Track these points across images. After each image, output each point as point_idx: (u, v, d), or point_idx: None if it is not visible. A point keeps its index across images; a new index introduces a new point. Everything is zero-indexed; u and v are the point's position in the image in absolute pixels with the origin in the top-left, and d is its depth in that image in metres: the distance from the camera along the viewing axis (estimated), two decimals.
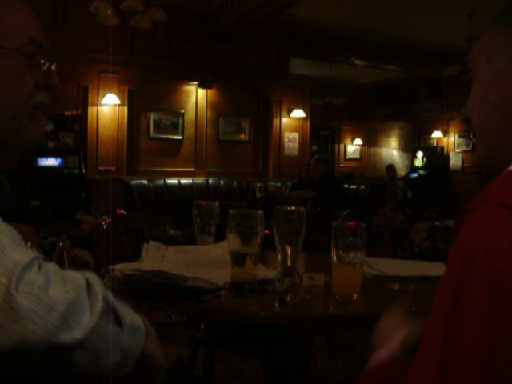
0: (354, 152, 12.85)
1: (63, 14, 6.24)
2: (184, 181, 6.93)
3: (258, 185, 6.90)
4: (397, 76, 10.88)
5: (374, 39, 8.23)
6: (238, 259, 1.33)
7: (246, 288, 1.32)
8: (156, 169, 7.12)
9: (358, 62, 9.17)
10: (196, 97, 7.42)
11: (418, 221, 2.06)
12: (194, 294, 1.24)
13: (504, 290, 0.61)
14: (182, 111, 7.35)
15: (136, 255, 1.85)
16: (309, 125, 8.01)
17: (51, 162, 6.00)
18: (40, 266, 0.69)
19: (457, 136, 10.60)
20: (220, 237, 1.78)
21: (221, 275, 1.38)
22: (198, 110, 7.44)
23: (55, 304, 0.66)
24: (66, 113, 6.17)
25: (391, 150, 12.57)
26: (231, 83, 7.49)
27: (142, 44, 6.61)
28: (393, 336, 0.83)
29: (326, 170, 6.23)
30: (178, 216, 3.35)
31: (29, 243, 0.91)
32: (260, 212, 1.37)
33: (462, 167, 10.40)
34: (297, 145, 7.85)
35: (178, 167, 7.30)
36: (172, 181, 6.82)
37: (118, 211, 2.79)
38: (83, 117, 6.46)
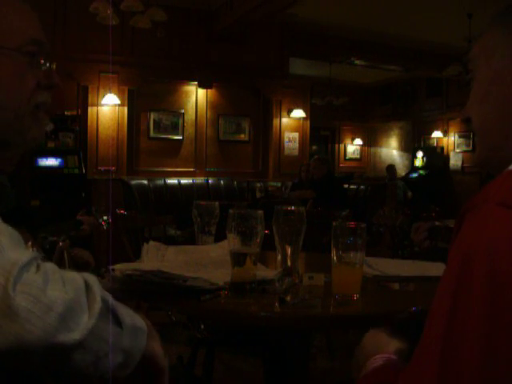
0: (354, 152, 12.85)
1: (63, 14, 6.24)
2: (184, 181, 6.93)
3: (258, 185, 6.90)
4: (397, 76, 10.88)
5: (374, 39, 8.23)
6: (238, 259, 1.33)
7: (246, 288, 1.32)
8: (156, 169, 7.12)
9: (357, 61, 9.17)
10: (196, 97, 7.42)
11: (418, 221, 2.06)
12: (194, 294, 1.24)
13: (504, 289, 0.61)
14: (182, 111, 7.35)
15: (136, 255, 1.85)
16: (309, 125, 8.01)
17: (51, 161, 6.00)
18: (38, 266, 0.69)
19: (457, 136, 10.60)
20: (220, 237, 1.78)
21: (221, 275, 1.38)
22: (198, 110, 7.44)
23: (53, 304, 0.66)
24: (66, 113, 6.17)
25: (391, 150, 12.57)
26: (231, 83, 7.49)
27: (142, 44, 6.61)
28: (388, 343, 0.83)
29: (326, 170, 6.23)
30: (177, 216, 3.36)
31: (29, 243, 0.91)
32: (260, 212, 1.37)
33: (462, 167, 10.40)
34: (297, 145, 7.85)
35: (177, 167, 7.31)
36: (172, 181, 6.82)
37: (117, 211, 2.79)
38: (83, 117, 6.45)
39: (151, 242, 1.75)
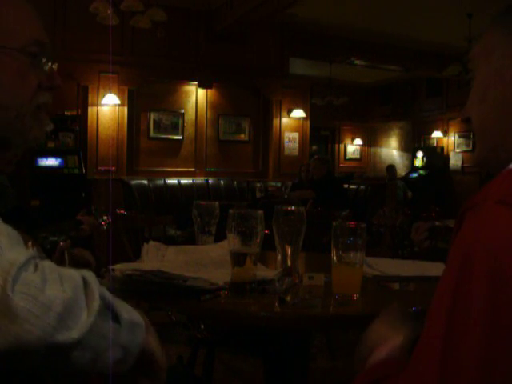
0: (354, 152, 12.85)
1: (63, 14, 6.24)
2: (184, 181, 6.93)
3: (258, 185, 6.90)
4: (397, 76, 10.88)
5: (374, 39, 8.23)
6: (238, 259, 1.33)
7: (246, 288, 1.32)
8: (156, 169, 7.12)
9: (357, 61, 9.17)
10: (196, 97, 7.42)
11: (418, 221, 2.06)
12: (194, 294, 1.24)
13: (504, 287, 0.61)
14: (182, 111, 7.35)
15: (136, 255, 1.85)
16: (309, 125, 8.01)
17: (51, 161, 6.00)
18: (36, 266, 0.69)
19: (457, 136, 10.60)
20: (220, 237, 1.78)
21: (221, 275, 1.38)
22: (198, 110, 7.44)
23: (52, 304, 0.66)
24: (66, 113, 6.17)
25: (391, 150, 12.57)
26: (231, 83, 7.50)
27: (142, 44, 6.61)
28: (391, 336, 0.83)
29: (326, 170, 6.22)
30: (177, 216, 3.36)
31: (29, 243, 0.91)
32: (260, 212, 1.37)
33: (462, 167, 10.40)
34: (297, 145, 7.86)
35: (178, 167, 7.31)
36: (172, 181, 6.82)
37: (117, 211, 2.79)
38: (83, 117, 6.46)
39: (151, 242, 1.75)
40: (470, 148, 10.17)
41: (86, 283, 0.72)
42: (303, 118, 7.86)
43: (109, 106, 6.56)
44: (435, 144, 11.17)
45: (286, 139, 7.79)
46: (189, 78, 7.20)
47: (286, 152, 7.78)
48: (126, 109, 6.72)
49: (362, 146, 12.83)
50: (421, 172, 10.68)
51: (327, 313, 1.32)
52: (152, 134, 7.19)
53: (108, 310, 0.73)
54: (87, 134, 6.51)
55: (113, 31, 5.69)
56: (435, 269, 1.55)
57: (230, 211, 1.36)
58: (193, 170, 7.41)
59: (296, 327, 1.34)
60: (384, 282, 1.49)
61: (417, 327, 0.80)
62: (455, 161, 10.60)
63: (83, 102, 6.50)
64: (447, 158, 10.77)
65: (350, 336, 3.35)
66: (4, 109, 0.86)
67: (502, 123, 0.77)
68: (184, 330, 2.94)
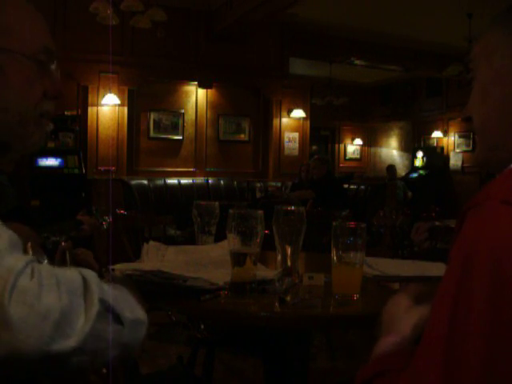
0: (354, 152, 12.85)
1: (63, 14, 6.24)
2: (184, 181, 6.93)
3: (258, 185, 6.90)
4: (397, 76, 10.88)
5: (374, 39, 8.23)
6: (238, 259, 1.33)
7: (246, 288, 1.32)
8: (156, 169, 7.12)
9: (357, 61, 9.17)
10: (196, 97, 7.42)
11: (418, 221, 2.06)
12: (194, 294, 1.24)
13: (506, 286, 0.61)
14: (182, 111, 7.35)
15: (136, 255, 1.85)
16: (309, 125, 8.01)
17: (51, 162, 6.00)
18: (33, 271, 0.68)
19: (457, 136, 10.60)
20: (220, 237, 1.78)
21: (221, 275, 1.38)
22: (198, 110, 7.44)
23: (48, 312, 0.65)
24: (66, 113, 6.17)
25: (391, 150, 12.57)
26: (231, 83, 7.50)
27: (142, 44, 6.61)
28: (402, 320, 0.82)
29: (326, 170, 6.22)
30: (178, 216, 3.36)
31: (29, 244, 0.91)
32: (260, 212, 1.37)
33: (462, 167, 10.40)
34: (297, 145, 7.86)
35: (178, 167, 7.31)
36: (172, 181, 6.83)
37: (117, 211, 2.78)
38: (83, 117, 6.46)
39: (151, 242, 1.75)
40: (470, 148, 10.17)
41: (85, 284, 0.71)
42: (303, 118, 7.86)
43: (109, 106, 6.57)
44: (435, 144, 11.17)
45: (286, 139, 7.79)
46: (189, 78, 7.20)
47: (286, 152, 7.78)
48: (125, 109, 6.72)
49: (362, 145, 12.83)
50: (421, 172, 10.68)
51: (327, 313, 1.32)
52: (152, 134, 7.19)
53: (108, 313, 0.72)
54: (87, 134, 6.52)
55: (113, 31, 5.69)
56: (435, 269, 1.55)
57: (230, 211, 1.36)
58: (193, 170, 7.41)
59: (296, 327, 1.34)
60: (384, 282, 1.49)
61: (428, 311, 0.79)
62: (455, 161, 10.60)
63: (83, 102, 6.50)
64: (447, 158, 10.77)
65: (350, 336, 3.35)
66: (9, 113, 0.87)
67: (503, 122, 0.78)
68: (184, 329, 2.94)
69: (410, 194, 9.65)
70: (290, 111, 7.75)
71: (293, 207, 1.57)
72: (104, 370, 0.88)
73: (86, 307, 0.69)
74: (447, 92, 10.55)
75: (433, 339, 0.64)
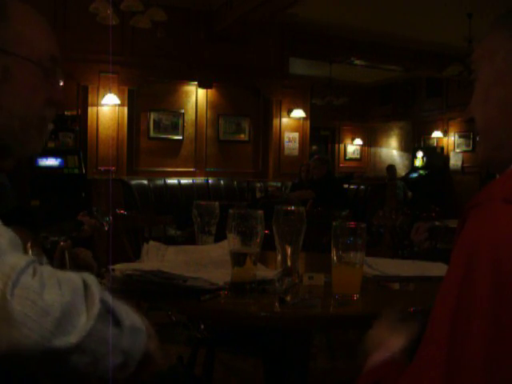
0: (354, 152, 12.85)
1: (63, 14, 6.24)
2: (184, 181, 6.93)
3: (258, 185, 6.90)
4: (397, 76, 10.89)
5: (374, 39, 8.23)
6: (238, 259, 1.33)
7: (246, 288, 1.32)
8: (156, 169, 7.12)
9: (357, 61, 9.18)
10: (196, 97, 7.42)
11: (418, 221, 2.06)
12: (194, 294, 1.24)
13: (509, 285, 0.61)
14: (182, 111, 7.35)
15: (136, 255, 1.85)
16: (309, 125, 8.01)
17: (51, 162, 6.00)
18: (35, 270, 0.69)
19: (457, 136, 10.60)
20: (220, 237, 1.78)
21: (221, 275, 1.38)
22: (198, 110, 7.44)
23: (50, 308, 0.66)
24: (66, 113, 6.17)
25: (391, 150, 12.57)
26: (231, 83, 7.49)
27: (142, 44, 6.61)
28: (391, 338, 0.83)
29: (326, 170, 6.22)
30: (177, 216, 3.36)
31: (28, 244, 0.91)
32: (260, 212, 1.37)
33: (462, 167, 10.40)
34: (297, 145, 7.85)
35: (178, 167, 7.31)
36: (172, 181, 6.82)
37: (118, 211, 2.78)
38: (83, 117, 6.46)
39: (151, 242, 1.75)
40: (470, 148, 10.17)
41: (86, 286, 0.72)
42: (303, 118, 7.86)
43: (109, 106, 6.57)
44: (435, 144, 11.17)
45: (286, 139, 7.79)
46: (189, 78, 7.20)
47: (286, 152, 7.78)
48: (126, 109, 6.72)
49: (362, 145, 12.83)
50: (421, 172, 10.69)
51: (327, 313, 1.32)
52: (152, 134, 7.19)
53: (109, 314, 0.72)
54: (87, 134, 6.51)
55: (113, 31, 5.69)
56: (435, 269, 1.55)
57: (230, 211, 1.36)
58: (193, 170, 7.41)
59: (296, 327, 1.34)
60: (384, 282, 1.49)
61: (417, 328, 0.80)
62: (455, 161, 10.60)
63: (83, 102, 6.50)
64: (447, 158, 10.77)
65: (350, 336, 3.35)
66: (12, 117, 0.88)
67: (505, 122, 0.79)
68: (184, 329, 2.94)
69: (410, 194, 9.66)
70: (290, 111, 7.75)
71: (293, 207, 1.57)
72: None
73: (88, 306, 0.70)
74: (447, 92, 10.55)
75: (434, 339, 0.64)
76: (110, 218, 2.29)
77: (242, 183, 7.22)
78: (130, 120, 6.87)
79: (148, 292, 1.29)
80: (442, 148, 10.91)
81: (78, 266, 1.30)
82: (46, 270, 0.71)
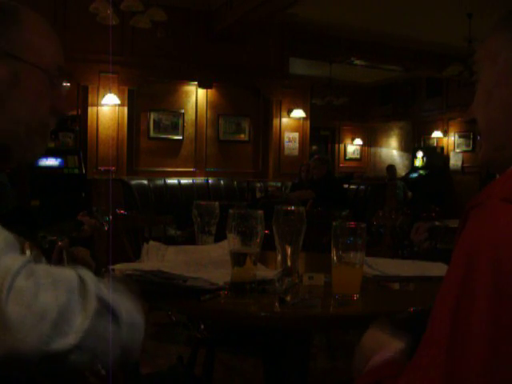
0: (354, 152, 12.85)
1: (63, 14, 6.24)
2: (184, 181, 6.93)
3: (258, 185, 6.90)
4: (397, 76, 10.89)
5: (374, 39, 8.23)
6: (238, 259, 1.33)
7: (246, 288, 1.31)
8: (156, 169, 7.12)
9: (357, 61, 9.18)
10: (196, 97, 7.42)
11: (418, 221, 2.06)
12: (194, 294, 1.24)
13: (509, 284, 0.61)
14: (182, 111, 7.35)
15: (136, 255, 1.85)
16: (309, 125, 8.01)
17: (51, 162, 6.00)
18: (30, 271, 0.68)
19: (457, 136, 10.60)
20: (220, 237, 1.78)
21: (221, 275, 1.38)
22: (198, 110, 7.44)
23: (46, 312, 0.65)
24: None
25: (391, 150, 12.57)
26: (231, 83, 7.50)
27: (142, 44, 6.61)
28: (389, 341, 0.83)
29: (326, 170, 6.22)
30: (177, 216, 3.35)
31: (26, 244, 0.91)
32: (260, 212, 1.36)
33: (462, 167, 10.40)
34: (297, 145, 7.86)
35: (178, 167, 7.31)
36: (172, 181, 6.83)
37: (118, 211, 2.78)
38: (83, 117, 6.46)
39: (151, 242, 1.75)
40: (470, 148, 10.18)
41: (82, 283, 0.71)
42: (303, 118, 7.86)
43: (109, 106, 6.57)
44: (435, 144, 11.17)
45: (286, 139, 7.79)
46: (189, 78, 7.20)
47: (286, 152, 7.78)
48: (126, 109, 6.72)
49: (362, 145, 12.83)
50: (421, 172, 10.69)
51: (327, 313, 1.32)
52: (152, 134, 7.19)
53: (106, 310, 0.72)
54: (87, 134, 6.52)
55: (113, 31, 5.69)
56: (435, 269, 1.55)
57: (230, 211, 1.36)
58: (193, 170, 7.41)
59: (296, 327, 1.34)
60: (384, 282, 1.49)
61: (410, 337, 0.80)
62: (455, 161, 10.60)
63: (83, 102, 6.50)
64: (447, 158, 10.77)
65: (349, 336, 3.35)
66: (18, 122, 0.89)
67: (507, 124, 0.79)
68: (184, 329, 2.94)
69: (409, 194, 9.66)
70: (290, 111, 7.75)
71: (293, 207, 1.57)
72: (103, 372, 0.88)
73: (84, 305, 0.69)
74: (447, 92, 10.55)
75: (434, 339, 0.64)
76: (110, 217, 2.29)
77: (242, 183, 7.22)
78: (130, 120, 6.87)
79: (148, 292, 1.28)
80: (442, 148, 10.92)
81: (76, 264, 1.30)
82: (42, 269, 0.70)
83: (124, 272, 1.32)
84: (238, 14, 6.37)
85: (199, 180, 7.14)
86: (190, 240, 2.10)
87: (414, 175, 10.68)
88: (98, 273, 1.31)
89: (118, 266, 1.42)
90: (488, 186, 0.71)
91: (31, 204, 5.53)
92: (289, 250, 1.52)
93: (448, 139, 10.78)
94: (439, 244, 1.87)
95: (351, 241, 1.32)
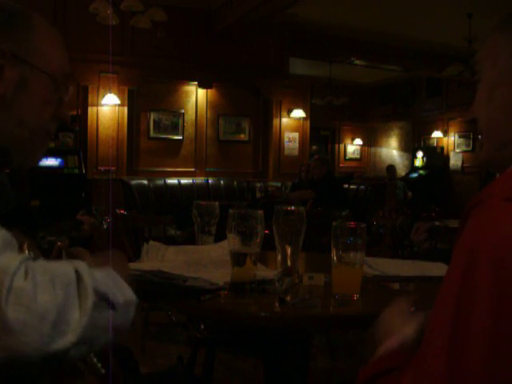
0: (354, 152, 12.85)
1: (63, 14, 6.24)
2: (184, 181, 6.93)
3: (258, 185, 6.90)
4: (397, 76, 10.89)
5: (374, 39, 8.23)
6: (238, 259, 1.33)
7: (246, 288, 1.31)
8: (156, 169, 7.12)
9: (357, 61, 9.18)
10: (196, 97, 7.42)
11: (418, 221, 2.06)
12: (194, 294, 1.24)
13: (510, 283, 0.61)
14: (182, 111, 7.35)
15: (136, 255, 1.85)
16: (309, 125, 8.01)
17: (51, 162, 6.00)
18: (27, 270, 0.68)
19: (457, 136, 10.60)
20: (220, 237, 1.78)
21: (221, 275, 1.38)
22: (198, 110, 7.44)
23: (46, 313, 0.65)
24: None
25: (391, 150, 12.57)
26: (231, 83, 7.50)
27: (142, 44, 6.61)
28: (403, 325, 0.83)
29: (326, 170, 6.22)
30: (177, 216, 3.35)
31: (25, 245, 0.90)
32: (260, 212, 1.36)
33: (462, 167, 10.40)
34: (297, 145, 7.86)
35: (178, 167, 7.31)
36: (172, 181, 6.83)
37: (118, 211, 2.78)
38: (83, 117, 6.46)
39: (151, 242, 1.75)
40: (470, 148, 10.18)
41: (78, 278, 0.71)
42: (303, 118, 7.86)
43: (109, 106, 6.57)
44: (435, 144, 11.17)
45: (286, 139, 7.79)
46: (189, 78, 7.20)
47: (286, 152, 7.78)
48: (126, 109, 6.72)
49: (362, 145, 12.83)
50: (421, 172, 10.69)
51: (327, 313, 1.32)
52: (152, 134, 7.19)
53: (104, 301, 0.72)
54: (87, 134, 6.52)
55: (113, 31, 5.68)
56: (435, 269, 1.55)
57: (230, 211, 1.36)
58: (193, 169, 7.41)
59: (296, 327, 1.34)
60: (384, 282, 1.49)
61: (424, 323, 0.79)
62: (455, 161, 10.60)
63: (83, 102, 6.50)
64: (447, 158, 10.77)
65: (350, 336, 3.35)
66: (22, 126, 0.89)
67: (508, 123, 0.80)
68: (184, 329, 2.94)
69: (409, 194, 9.66)
70: (289, 111, 7.75)
71: (293, 207, 1.57)
72: (103, 371, 0.88)
73: (81, 300, 0.70)
74: (447, 92, 10.55)
75: (435, 339, 0.64)
76: (110, 217, 2.28)
77: (242, 183, 7.22)
78: (130, 120, 6.87)
79: (148, 292, 1.29)
80: (442, 148, 10.92)
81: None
82: (39, 265, 0.70)
83: None
84: (238, 14, 6.38)
85: (199, 180, 7.14)
86: (190, 240, 2.10)
87: (414, 175, 10.68)
88: None
89: None
90: (488, 186, 0.71)
91: (31, 204, 5.53)
92: (289, 250, 1.52)
93: (448, 139, 10.78)
94: (439, 244, 1.87)
95: (351, 241, 1.31)
